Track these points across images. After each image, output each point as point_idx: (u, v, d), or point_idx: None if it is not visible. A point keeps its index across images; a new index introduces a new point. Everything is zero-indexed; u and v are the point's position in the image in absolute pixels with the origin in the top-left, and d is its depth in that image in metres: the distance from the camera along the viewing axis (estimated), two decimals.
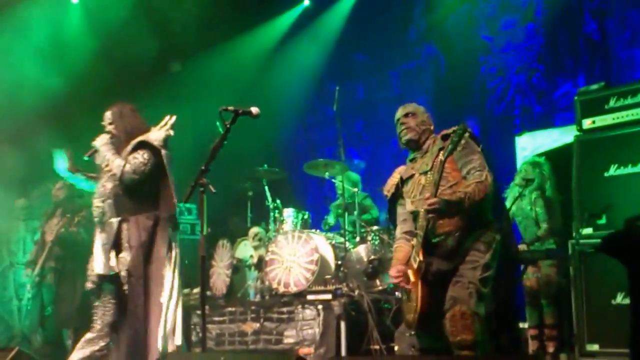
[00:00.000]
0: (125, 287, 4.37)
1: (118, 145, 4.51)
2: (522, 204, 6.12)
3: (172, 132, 4.56)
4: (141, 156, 4.41)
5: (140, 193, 4.48)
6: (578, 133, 5.23)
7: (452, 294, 3.62)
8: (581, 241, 4.94)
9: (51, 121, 7.38)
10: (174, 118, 4.57)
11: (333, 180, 7.68)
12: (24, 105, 7.39)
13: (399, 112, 4.07)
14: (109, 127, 4.53)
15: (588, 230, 4.96)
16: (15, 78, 7.46)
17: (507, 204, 6.04)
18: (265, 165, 7.66)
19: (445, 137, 3.81)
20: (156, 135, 4.49)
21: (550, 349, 5.84)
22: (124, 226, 4.41)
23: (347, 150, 7.48)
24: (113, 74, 8.44)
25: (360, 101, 9.99)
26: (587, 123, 5.18)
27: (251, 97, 8.15)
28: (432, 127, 4.04)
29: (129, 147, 4.48)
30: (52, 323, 6.61)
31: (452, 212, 3.62)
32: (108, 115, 4.56)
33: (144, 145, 4.46)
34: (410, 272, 3.73)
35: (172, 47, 9.29)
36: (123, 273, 4.35)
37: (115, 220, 4.42)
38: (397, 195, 4.09)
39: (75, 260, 6.34)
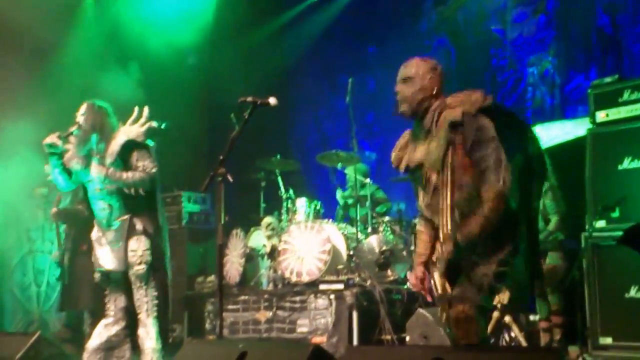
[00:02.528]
0: (140, 267, 4.44)
1: (82, 139, 4.50)
2: None
3: (154, 124, 4.58)
4: (148, 160, 4.48)
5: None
6: (591, 126, 5.23)
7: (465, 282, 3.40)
8: (594, 234, 4.96)
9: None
10: (146, 109, 4.58)
11: (345, 171, 7.73)
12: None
13: (399, 74, 3.55)
14: (80, 118, 4.51)
15: (601, 223, 4.97)
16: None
17: None
18: (278, 156, 7.71)
19: (454, 126, 3.36)
20: (137, 131, 4.51)
21: (557, 337, 5.85)
22: (136, 221, 4.49)
23: (358, 141, 7.50)
24: (127, 60, 8.49)
25: (371, 93, 10.01)
26: (600, 116, 5.19)
27: (264, 88, 8.19)
28: (434, 91, 3.49)
29: (116, 149, 4.46)
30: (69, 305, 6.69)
31: (476, 243, 3.34)
32: (83, 107, 4.56)
33: (135, 146, 4.49)
34: (437, 282, 3.52)
35: (186, 40, 9.32)
36: (138, 253, 4.44)
37: (126, 217, 4.49)
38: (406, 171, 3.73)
39: (85, 239, 6.41)
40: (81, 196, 6.15)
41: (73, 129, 4.49)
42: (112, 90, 7.30)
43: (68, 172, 4.60)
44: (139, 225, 4.48)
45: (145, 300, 4.46)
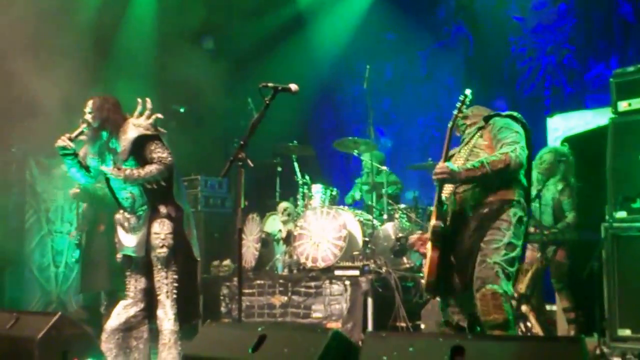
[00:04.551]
0: (161, 250, 4.49)
1: (92, 136, 4.51)
2: (543, 192, 6.07)
3: (160, 115, 4.57)
4: (161, 148, 4.48)
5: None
6: (613, 115, 5.16)
7: (479, 274, 3.62)
8: (615, 224, 4.91)
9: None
10: (149, 101, 4.56)
11: (361, 157, 7.71)
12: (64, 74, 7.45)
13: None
14: (87, 116, 4.50)
15: (622, 214, 4.92)
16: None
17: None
18: (295, 142, 7.70)
19: (486, 119, 3.92)
20: (145, 124, 4.49)
21: (572, 332, 5.83)
22: (159, 206, 4.54)
23: (374, 128, 7.48)
24: (143, 48, 8.49)
25: (388, 80, 9.96)
26: (622, 105, 5.12)
27: (282, 74, 8.17)
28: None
29: (127, 146, 4.46)
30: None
31: (467, 179, 3.69)
32: (89, 104, 4.54)
33: (148, 139, 4.48)
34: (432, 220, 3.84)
35: (204, 24, 9.31)
36: (161, 236, 4.49)
37: (149, 204, 4.53)
38: None
39: (102, 220, 6.42)
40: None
41: (82, 127, 4.50)
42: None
43: (86, 167, 4.64)
44: (162, 209, 4.52)
45: (165, 282, 4.51)
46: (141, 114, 4.55)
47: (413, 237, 4.12)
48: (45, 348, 3.82)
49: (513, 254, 3.60)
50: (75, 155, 4.56)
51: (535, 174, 6.12)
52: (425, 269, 3.78)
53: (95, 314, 6.58)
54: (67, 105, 6.71)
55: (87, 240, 6.61)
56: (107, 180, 4.64)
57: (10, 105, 7.13)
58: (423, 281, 3.89)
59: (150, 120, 4.51)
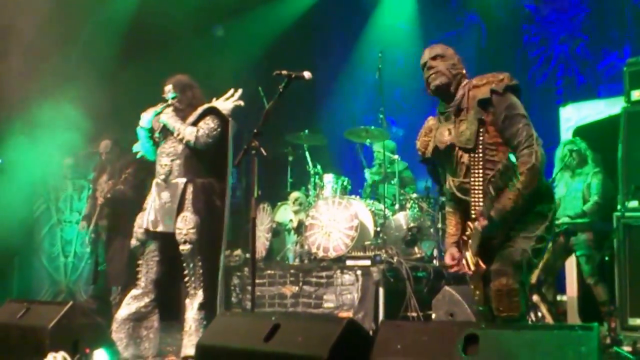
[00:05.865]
0: (185, 247, 4.56)
1: (181, 117, 4.71)
2: (572, 181, 6.02)
3: (242, 103, 4.76)
4: (212, 121, 4.64)
5: (207, 158, 4.70)
6: (626, 105, 5.17)
7: (502, 257, 3.44)
8: (627, 214, 4.91)
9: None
10: (240, 91, 4.73)
11: (373, 147, 7.69)
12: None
13: (426, 55, 3.65)
14: (172, 101, 4.68)
15: (634, 203, 4.92)
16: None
17: (558, 191, 5.95)
18: (306, 131, 7.69)
19: (482, 103, 3.46)
20: (224, 105, 4.69)
21: (613, 325, 5.74)
22: (189, 188, 4.59)
23: (386, 117, 7.47)
24: (152, 37, 8.48)
25: (399, 70, 9.93)
26: (635, 94, 5.13)
27: (292, 62, 8.14)
28: (464, 72, 3.64)
29: (197, 113, 4.67)
30: (102, 279, 6.79)
31: (509, 218, 3.41)
32: (169, 89, 4.71)
33: (212, 111, 4.66)
34: (469, 260, 3.59)
35: (213, 10, 9.28)
36: (183, 232, 4.55)
37: (181, 181, 4.61)
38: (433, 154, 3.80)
39: (125, 217, 6.45)
40: (124, 177, 6.36)
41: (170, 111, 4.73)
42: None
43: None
44: (188, 195, 4.58)
45: (192, 277, 4.62)
46: (227, 99, 4.75)
47: (452, 264, 3.67)
48: (57, 337, 3.82)
49: (540, 246, 3.50)
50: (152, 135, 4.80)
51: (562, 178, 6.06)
52: (480, 288, 3.57)
53: (105, 304, 6.61)
54: (72, 98, 6.74)
55: (107, 237, 6.68)
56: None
57: (15, 93, 7.15)
58: (476, 296, 3.64)
59: (231, 105, 4.67)
